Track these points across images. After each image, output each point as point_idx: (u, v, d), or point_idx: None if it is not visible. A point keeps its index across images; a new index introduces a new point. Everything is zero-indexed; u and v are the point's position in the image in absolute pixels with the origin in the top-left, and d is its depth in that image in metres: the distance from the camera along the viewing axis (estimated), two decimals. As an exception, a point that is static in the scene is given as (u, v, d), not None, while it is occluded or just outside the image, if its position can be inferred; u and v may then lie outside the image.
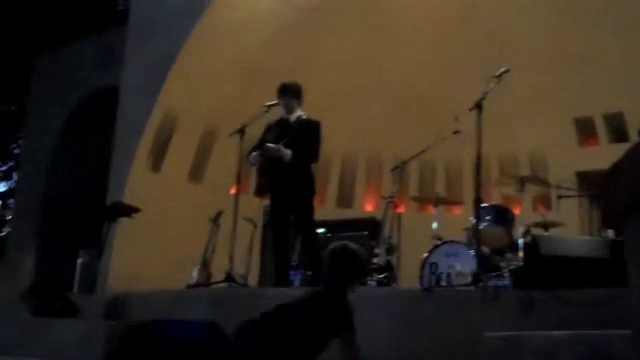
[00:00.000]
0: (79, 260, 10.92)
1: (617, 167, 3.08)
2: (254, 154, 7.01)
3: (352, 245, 4.15)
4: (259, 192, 7.16)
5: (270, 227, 7.40)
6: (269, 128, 7.29)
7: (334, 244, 4.14)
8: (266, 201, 7.41)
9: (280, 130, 7.15)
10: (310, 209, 7.05)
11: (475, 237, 6.80)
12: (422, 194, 11.76)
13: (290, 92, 7.22)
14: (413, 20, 11.64)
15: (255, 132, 7.52)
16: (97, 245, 9.62)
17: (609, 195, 3.16)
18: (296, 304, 4.06)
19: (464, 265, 7.04)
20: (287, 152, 6.86)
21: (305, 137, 7.03)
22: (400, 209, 8.56)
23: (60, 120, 14.48)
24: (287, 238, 7.10)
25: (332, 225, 8.94)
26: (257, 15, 11.19)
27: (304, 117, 7.23)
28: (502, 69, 6.25)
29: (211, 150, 11.81)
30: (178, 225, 10.86)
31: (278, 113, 7.42)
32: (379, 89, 12.07)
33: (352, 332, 4.04)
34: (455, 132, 8.14)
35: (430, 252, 7.53)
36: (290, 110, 7.24)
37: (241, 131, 7.32)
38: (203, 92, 11.42)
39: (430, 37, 11.60)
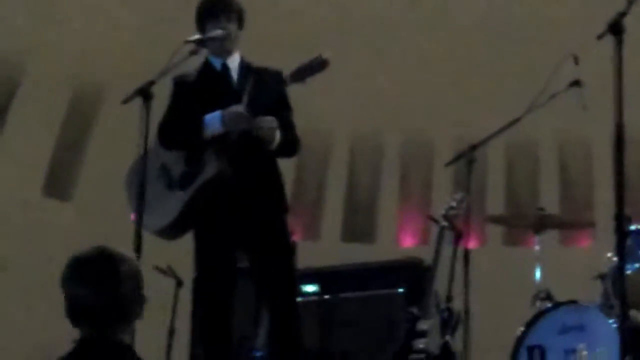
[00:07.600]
0: None
1: None
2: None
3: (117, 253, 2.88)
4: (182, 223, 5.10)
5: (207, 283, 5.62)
6: (186, 85, 5.40)
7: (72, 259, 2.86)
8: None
9: (216, 87, 5.35)
10: (286, 243, 5.32)
11: (619, 292, 5.47)
12: (513, 210, 9.71)
13: (235, 13, 5.35)
14: None
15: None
16: None
17: None
18: None
19: (598, 349, 5.95)
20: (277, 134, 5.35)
21: (275, 101, 5.27)
22: (470, 242, 7.02)
23: None
24: (234, 305, 5.23)
25: (333, 278, 7.50)
26: None
27: (253, 64, 5.59)
28: None
29: (88, 133, 9.15)
30: (20, 293, 8.42)
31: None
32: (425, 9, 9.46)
33: None
34: (574, 84, 6.42)
35: (531, 324, 6.31)
36: (228, 49, 5.41)
37: (145, 93, 5.13)
38: (69, 24, 8.85)
39: None
